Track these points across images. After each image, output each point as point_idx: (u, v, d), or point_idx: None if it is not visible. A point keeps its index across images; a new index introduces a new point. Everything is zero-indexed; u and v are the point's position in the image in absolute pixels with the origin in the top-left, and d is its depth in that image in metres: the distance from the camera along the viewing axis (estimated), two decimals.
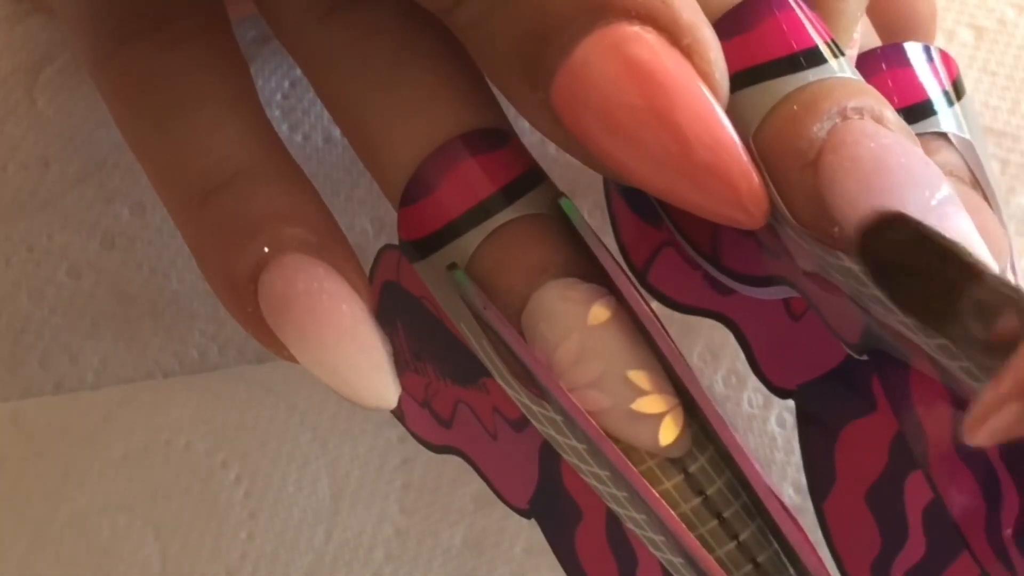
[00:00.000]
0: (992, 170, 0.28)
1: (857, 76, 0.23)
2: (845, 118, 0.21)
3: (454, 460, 0.32)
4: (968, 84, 0.32)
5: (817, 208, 0.21)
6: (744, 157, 0.21)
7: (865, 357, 0.25)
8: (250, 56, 0.27)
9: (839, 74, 0.22)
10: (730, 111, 0.22)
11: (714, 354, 0.33)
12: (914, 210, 0.20)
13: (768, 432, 0.33)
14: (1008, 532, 0.24)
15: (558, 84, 0.21)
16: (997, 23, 0.38)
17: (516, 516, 0.31)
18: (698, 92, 0.21)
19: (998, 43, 0.37)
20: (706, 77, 0.21)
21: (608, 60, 0.21)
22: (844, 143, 0.21)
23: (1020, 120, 0.36)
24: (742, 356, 0.29)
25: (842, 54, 0.23)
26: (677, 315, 0.33)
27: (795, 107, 0.22)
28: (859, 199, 0.21)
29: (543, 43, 0.21)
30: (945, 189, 0.21)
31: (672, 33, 0.21)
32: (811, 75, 0.22)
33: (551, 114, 0.22)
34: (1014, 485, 0.23)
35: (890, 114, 0.22)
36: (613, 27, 0.21)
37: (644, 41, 0.21)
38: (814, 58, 0.22)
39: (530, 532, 0.32)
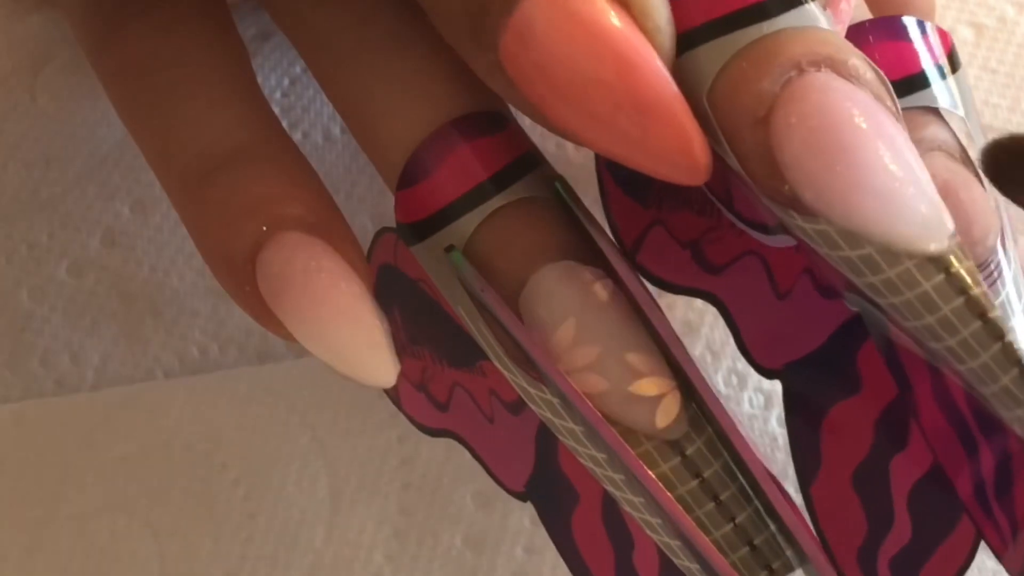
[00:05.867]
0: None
1: (825, 24, 0.22)
2: (801, 71, 0.21)
3: (454, 460, 0.32)
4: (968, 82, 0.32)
5: (767, 167, 0.21)
6: (686, 115, 0.21)
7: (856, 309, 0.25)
8: (250, 53, 0.27)
9: (801, 23, 0.22)
10: (688, 69, 0.21)
11: (715, 353, 0.33)
12: (865, 167, 0.20)
13: (769, 432, 0.32)
14: (990, 489, 0.24)
15: (505, 43, 0.21)
16: (997, 21, 0.38)
17: (517, 516, 0.31)
18: (640, 49, 0.20)
19: (998, 41, 0.37)
20: (647, 34, 0.21)
21: (551, 17, 0.20)
22: (793, 98, 0.20)
23: (1020, 118, 0.36)
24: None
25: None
26: (677, 313, 0.33)
27: (745, 63, 0.21)
28: (804, 157, 0.20)
29: (488, 2, 0.21)
30: (902, 143, 0.21)
31: None
32: (766, 27, 0.21)
33: (504, 76, 0.21)
34: (989, 447, 0.23)
35: (856, 62, 0.21)
36: None
37: None
38: (773, 7, 0.22)
39: (531, 532, 0.32)
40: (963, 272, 0.21)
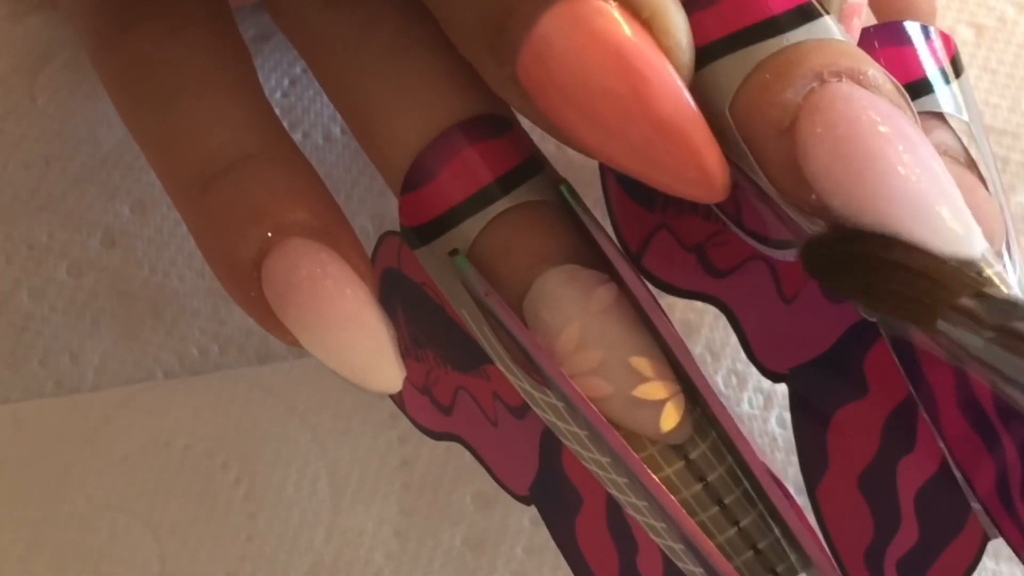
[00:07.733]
0: (989, 150, 0.28)
1: (841, 36, 0.22)
2: (823, 82, 0.21)
3: (454, 461, 0.32)
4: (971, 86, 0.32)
5: (793, 176, 0.21)
6: (702, 130, 0.21)
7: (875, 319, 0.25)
8: (251, 53, 0.27)
9: (819, 35, 0.22)
10: (708, 82, 0.22)
11: (714, 354, 0.33)
12: (894, 174, 0.20)
13: (768, 432, 0.32)
14: (1016, 488, 0.23)
15: (523, 58, 0.21)
16: (997, 21, 0.38)
17: (517, 516, 0.31)
18: (656, 64, 0.21)
19: (998, 41, 0.37)
20: (667, 51, 0.21)
21: (570, 34, 0.20)
22: (818, 108, 0.21)
23: (1020, 118, 0.36)
24: (742, 356, 0.29)
25: (826, 12, 0.22)
26: (677, 314, 0.33)
27: (767, 74, 0.21)
28: (832, 166, 0.20)
29: (507, 16, 0.21)
30: (927, 151, 0.21)
31: (632, 6, 0.21)
32: (785, 39, 0.22)
33: (520, 89, 0.21)
34: (1015, 446, 0.23)
35: (875, 73, 0.21)
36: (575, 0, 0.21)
37: (606, 14, 0.21)
38: (791, 20, 0.22)
39: (531, 532, 0.32)
40: (995, 276, 0.21)
